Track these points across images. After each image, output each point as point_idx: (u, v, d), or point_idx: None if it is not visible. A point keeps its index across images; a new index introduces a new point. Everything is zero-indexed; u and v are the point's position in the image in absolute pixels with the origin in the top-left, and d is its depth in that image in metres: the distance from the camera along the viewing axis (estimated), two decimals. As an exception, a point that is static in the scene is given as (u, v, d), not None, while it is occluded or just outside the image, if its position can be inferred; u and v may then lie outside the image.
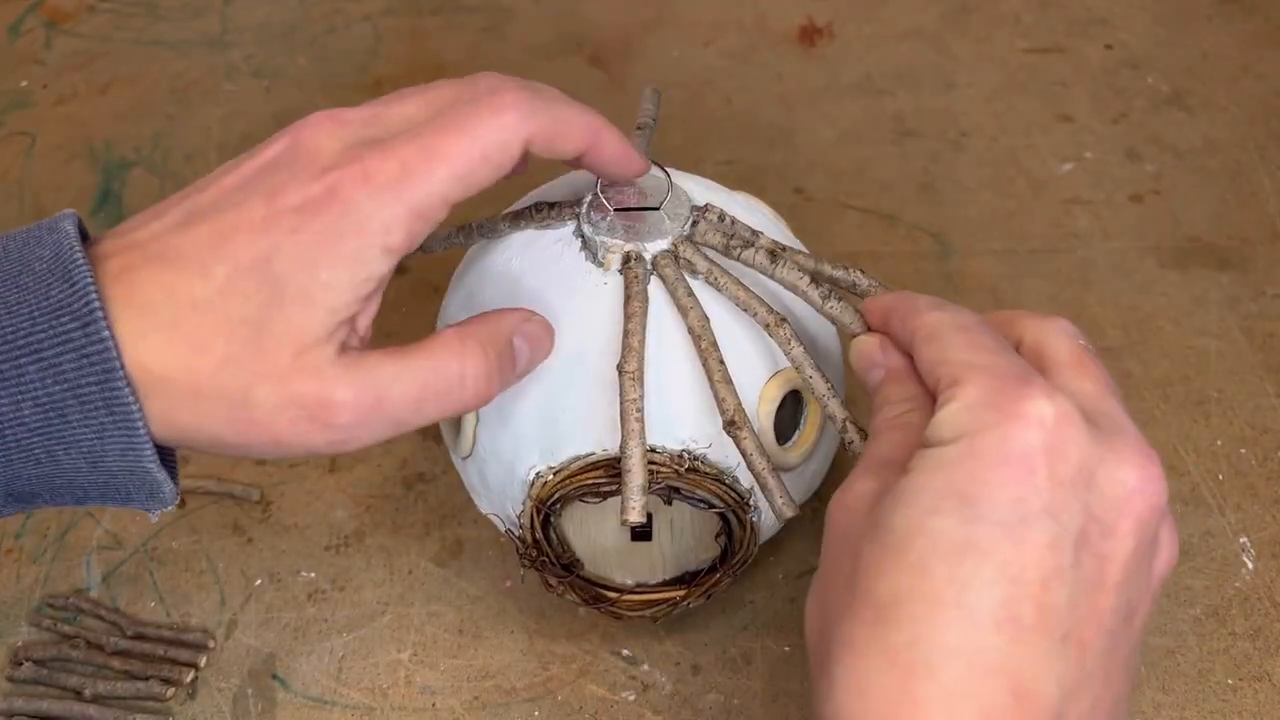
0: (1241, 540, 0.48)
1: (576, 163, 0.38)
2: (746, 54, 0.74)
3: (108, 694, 0.46)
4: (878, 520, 0.31)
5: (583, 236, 0.42)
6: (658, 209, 0.41)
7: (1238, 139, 0.66)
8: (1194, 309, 0.57)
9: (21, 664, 0.47)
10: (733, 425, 0.39)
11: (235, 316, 0.32)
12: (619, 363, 0.39)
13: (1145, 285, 0.59)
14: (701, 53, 0.74)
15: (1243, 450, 0.52)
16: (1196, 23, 0.74)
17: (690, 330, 0.40)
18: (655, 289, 0.41)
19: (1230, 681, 0.44)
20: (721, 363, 0.39)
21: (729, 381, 0.39)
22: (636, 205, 0.42)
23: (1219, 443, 0.52)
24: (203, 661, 0.47)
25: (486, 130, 0.34)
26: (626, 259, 0.41)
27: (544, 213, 0.43)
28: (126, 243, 0.33)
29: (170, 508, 0.35)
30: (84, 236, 0.33)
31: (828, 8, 0.77)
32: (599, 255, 0.41)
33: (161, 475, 0.33)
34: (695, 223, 0.41)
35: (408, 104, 0.35)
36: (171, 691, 0.46)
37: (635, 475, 0.38)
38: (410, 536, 0.51)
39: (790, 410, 0.43)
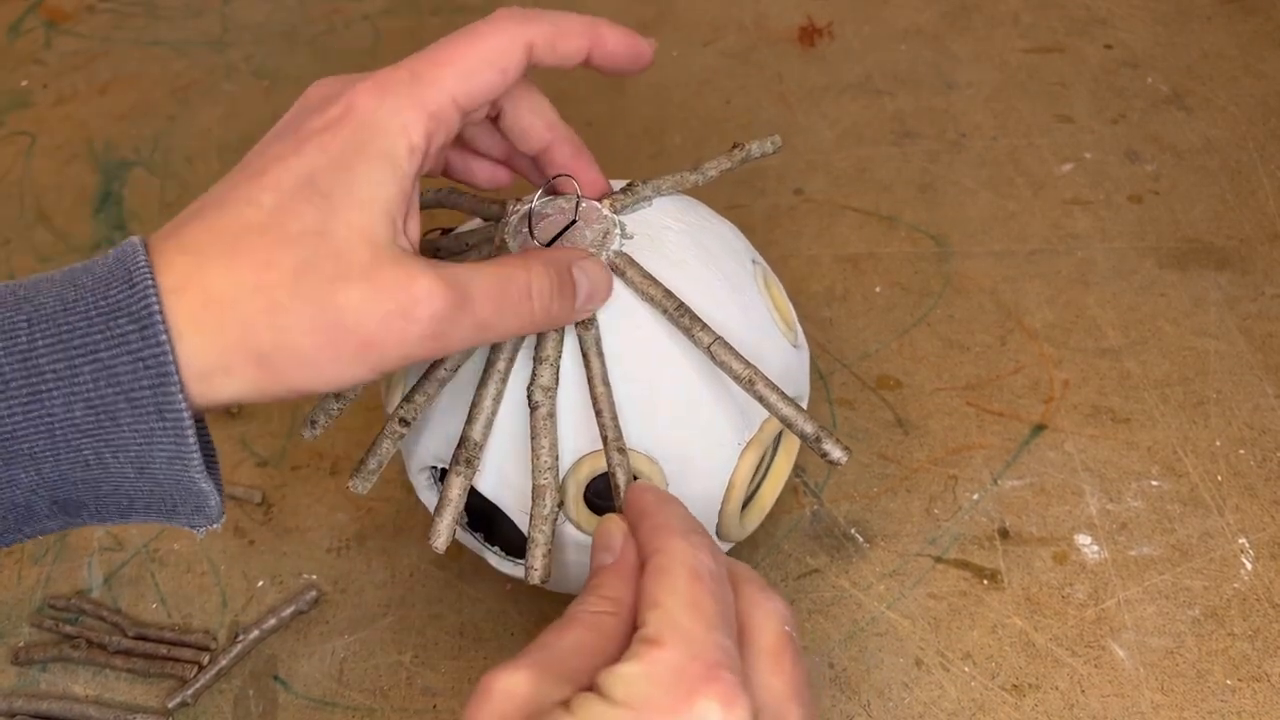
0: (1240, 541, 0.49)
1: (586, 65, 0.39)
2: (746, 54, 0.74)
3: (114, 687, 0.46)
4: None
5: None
6: (575, 221, 0.41)
7: (1237, 139, 0.66)
8: (1193, 309, 0.57)
9: (23, 664, 0.48)
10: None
11: (295, 230, 0.32)
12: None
13: (1145, 285, 0.59)
14: (701, 53, 0.74)
15: (1242, 451, 0.52)
16: (1196, 23, 0.74)
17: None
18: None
19: (1229, 682, 0.45)
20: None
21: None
22: (561, 230, 0.41)
23: (1218, 443, 0.52)
24: (205, 660, 0.47)
25: (487, 36, 0.36)
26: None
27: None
28: (173, 227, 0.33)
29: (217, 525, 0.34)
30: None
31: (828, 8, 0.77)
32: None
33: (207, 486, 0.32)
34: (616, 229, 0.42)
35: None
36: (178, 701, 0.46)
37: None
38: (411, 539, 0.51)
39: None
